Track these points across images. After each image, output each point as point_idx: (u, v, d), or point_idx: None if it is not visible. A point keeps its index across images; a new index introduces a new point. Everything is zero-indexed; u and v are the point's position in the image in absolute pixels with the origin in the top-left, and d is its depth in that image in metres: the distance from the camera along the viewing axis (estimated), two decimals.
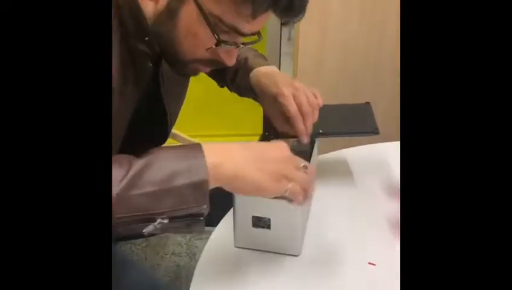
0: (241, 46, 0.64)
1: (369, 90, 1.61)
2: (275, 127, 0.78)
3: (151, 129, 0.77)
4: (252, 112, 1.25)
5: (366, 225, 0.74)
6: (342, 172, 0.87)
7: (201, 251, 0.68)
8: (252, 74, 0.80)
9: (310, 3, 0.62)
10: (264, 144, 0.63)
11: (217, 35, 0.60)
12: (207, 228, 0.62)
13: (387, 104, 1.50)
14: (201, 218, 0.54)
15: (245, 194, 0.58)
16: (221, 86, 0.91)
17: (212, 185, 0.54)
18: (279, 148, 0.60)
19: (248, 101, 0.85)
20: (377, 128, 0.77)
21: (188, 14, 0.60)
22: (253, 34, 0.64)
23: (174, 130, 1.74)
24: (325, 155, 0.90)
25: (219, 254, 0.68)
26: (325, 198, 0.79)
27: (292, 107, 0.73)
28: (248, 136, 1.82)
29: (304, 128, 0.73)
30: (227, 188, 0.56)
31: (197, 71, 0.69)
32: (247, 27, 0.61)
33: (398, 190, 0.79)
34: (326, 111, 0.83)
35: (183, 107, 0.86)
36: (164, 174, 0.52)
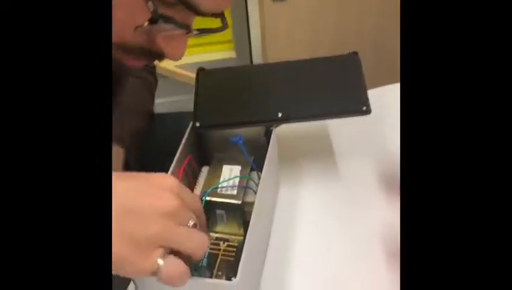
0: (195, 32, 0.41)
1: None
2: None
3: None
4: None
5: (355, 248, 0.50)
6: (321, 154, 0.61)
7: None
8: None
9: None
10: (136, 181, 0.37)
11: (153, 3, 0.38)
12: None
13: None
14: None
15: None
16: None
17: None
18: (161, 190, 0.36)
19: None
20: (367, 104, 0.50)
21: None
22: (214, 16, 0.41)
23: None
24: (293, 127, 0.63)
25: None
26: (295, 200, 0.54)
27: None
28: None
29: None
30: None
31: (121, 66, 0.43)
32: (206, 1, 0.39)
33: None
34: (291, 74, 0.55)
35: None
36: None
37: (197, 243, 0.36)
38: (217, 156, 0.51)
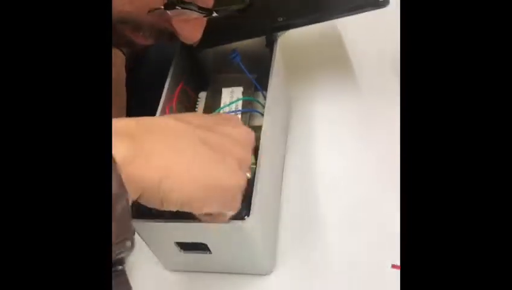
0: (214, 15, 0.37)
1: None
2: None
3: None
4: None
5: (380, 168, 0.44)
6: (334, 61, 0.53)
7: None
8: None
9: None
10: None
11: None
12: None
13: None
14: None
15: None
16: None
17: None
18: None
19: None
20: None
21: None
22: None
23: None
24: (297, 32, 0.54)
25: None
26: (310, 117, 0.48)
27: None
28: None
29: None
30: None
31: (125, 43, 0.41)
32: None
33: None
34: None
35: None
36: None
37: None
38: (214, 79, 0.44)
